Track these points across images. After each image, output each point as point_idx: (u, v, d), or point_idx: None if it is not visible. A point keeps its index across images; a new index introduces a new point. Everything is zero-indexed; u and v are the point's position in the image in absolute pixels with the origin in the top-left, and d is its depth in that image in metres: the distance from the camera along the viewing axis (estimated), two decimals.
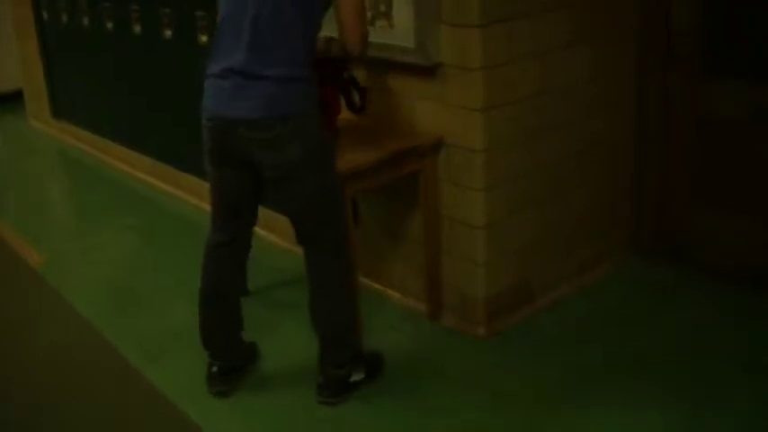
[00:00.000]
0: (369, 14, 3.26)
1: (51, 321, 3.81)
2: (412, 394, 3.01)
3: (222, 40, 2.71)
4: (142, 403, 3.11)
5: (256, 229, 4.36)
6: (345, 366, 2.97)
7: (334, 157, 2.85)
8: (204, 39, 4.50)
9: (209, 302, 3.01)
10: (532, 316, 3.45)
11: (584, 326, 3.37)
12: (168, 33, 4.93)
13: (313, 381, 3.03)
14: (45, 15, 6.73)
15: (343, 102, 3.24)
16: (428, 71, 3.16)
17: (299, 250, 3.99)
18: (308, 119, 2.68)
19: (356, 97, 3.30)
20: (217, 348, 3.08)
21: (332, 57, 2.95)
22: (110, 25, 5.64)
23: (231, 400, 3.06)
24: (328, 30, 2.79)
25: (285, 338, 3.44)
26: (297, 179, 2.71)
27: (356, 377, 3.00)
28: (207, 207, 4.71)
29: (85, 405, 3.13)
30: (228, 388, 3.09)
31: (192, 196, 5.05)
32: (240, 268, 3.07)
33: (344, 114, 3.27)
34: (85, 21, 5.98)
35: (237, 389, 3.10)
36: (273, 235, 4.34)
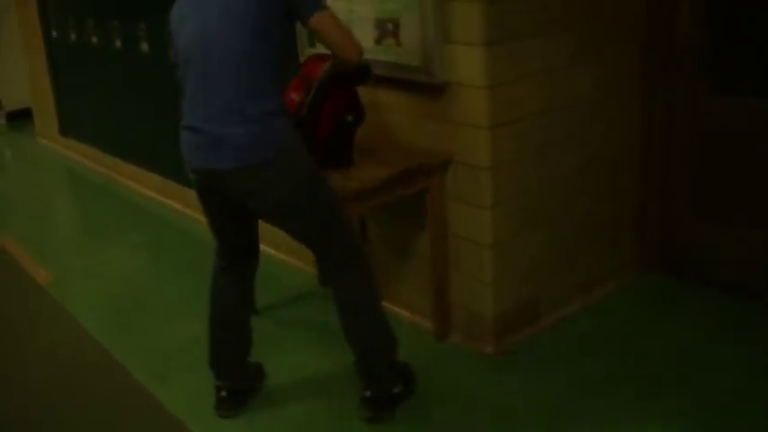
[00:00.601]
0: (376, 33, 3.29)
1: (58, 338, 3.82)
2: (420, 412, 3.00)
3: (189, 89, 2.68)
4: (149, 421, 3.11)
5: (264, 246, 4.39)
6: (389, 380, 2.95)
7: (324, 183, 2.79)
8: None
9: (214, 324, 3.03)
10: (538, 333, 3.44)
11: (589, 343, 3.36)
12: None
13: (324, 396, 3.04)
14: (54, 33, 6.78)
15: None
16: (435, 89, 3.18)
17: (306, 268, 4.01)
18: (289, 154, 2.64)
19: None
20: (222, 369, 3.08)
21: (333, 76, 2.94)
22: (118, 43, 5.68)
23: (237, 417, 3.06)
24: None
25: (293, 356, 3.44)
26: (292, 214, 2.72)
27: (397, 389, 2.98)
28: None
29: (92, 422, 3.13)
30: (237, 412, 3.07)
31: (200, 213, 5.05)
32: (244, 293, 3.08)
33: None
34: (94, 39, 6.02)
35: (250, 410, 3.10)
36: (281, 253, 4.35)
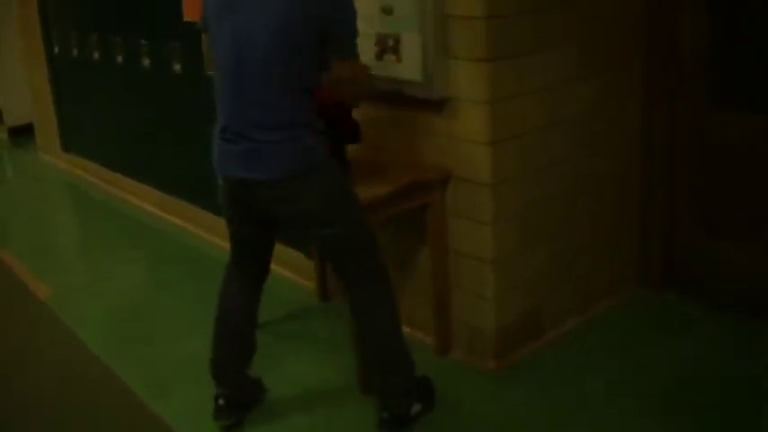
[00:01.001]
0: (377, 49, 3.30)
1: (58, 353, 3.81)
2: (422, 428, 2.98)
3: (222, 95, 2.71)
4: None
5: None
6: (406, 398, 2.93)
7: (352, 194, 2.84)
8: (212, 73, 4.54)
9: (221, 330, 3.04)
10: (541, 348, 3.43)
11: (592, 358, 3.35)
12: (177, 67, 4.98)
13: (323, 410, 3.04)
14: (56, 49, 6.80)
15: None
16: (436, 105, 3.18)
17: (306, 283, 4.00)
18: (320, 166, 2.68)
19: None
20: (222, 376, 3.08)
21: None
22: (120, 59, 5.69)
23: (240, 430, 3.06)
24: None
25: (294, 369, 3.43)
26: (320, 224, 2.73)
27: (415, 408, 2.96)
28: (215, 240, 4.74)
29: None
30: (234, 422, 3.07)
31: (201, 229, 5.06)
32: (254, 301, 3.08)
33: (352, 148, 3.27)
34: (96, 55, 6.04)
35: (244, 421, 3.09)
36: (282, 268, 4.34)
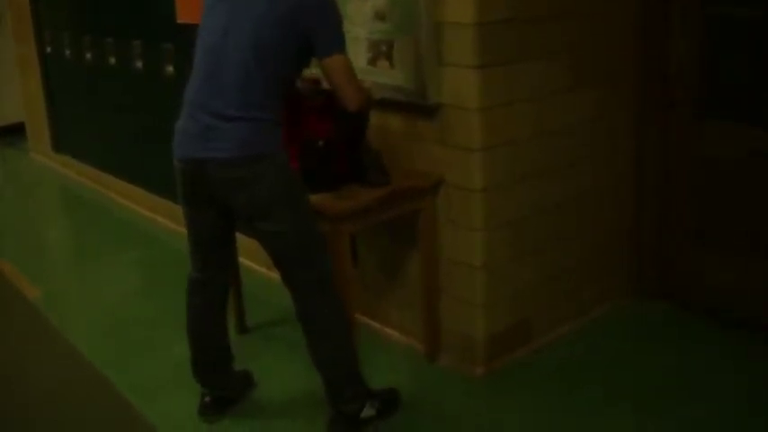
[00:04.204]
0: (369, 55, 3.30)
1: (47, 356, 3.80)
2: None
3: (195, 75, 2.77)
4: None
5: (253, 265, 4.38)
6: (356, 401, 2.94)
7: (305, 198, 2.84)
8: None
9: (192, 337, 3.06)
10: (530, 356, 3.44)
11: (581, 366, 3.36)
12: (170, 69, 4.97)
13: (311, 416, 3.04)
14: (48, 49, 6.79)
15: None
16: (427, 111, 3.18)
17: None
18: (275, 158, 2.70)
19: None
20: (205, 381, 3.12)
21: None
22: (112, 60, 5.68)
23: None
24: None
25: (283, 374, 3.43)
26: (268, 217, 2.72)
27: (367, 413, 2.97)
28: None
29: None
30: (219, 417, 3.11)
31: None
32: (218, 306, 3.08)
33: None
34: (88, 56, 6.03)
35: (234, 424, 3.10)
36: (274, 272, 4.33)
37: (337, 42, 2.68)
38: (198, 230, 2.93)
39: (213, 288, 3.02)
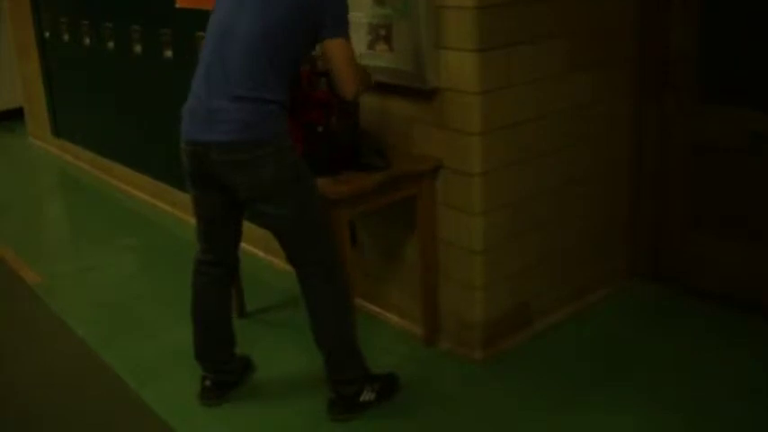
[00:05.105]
0: (368, 39, 3.30)
1: (46, 340, 3.81)
2: (409, 416, 3.00)
3: (202, 63, 2.78)
4: (135, 423, 3.10)
5: (255, 250, 4.39)
6: (355, 384, 2.97)
7: (311, 181, 2.85)
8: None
9: (196, 318, 3.07)
10: (529, 339, 3.45)
11: (580, 349, 3.37)
12: (169, 54, 4.96)
13: (310, 400, 3.05)
14: (46, 35, 6.77)
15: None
16: (426, 95, 3.18)
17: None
18: (279, 141, 2.71)
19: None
20: (208, 363, 3.13)
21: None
22: (111, 45, 5.67)
23: (226, 419, 3.06)
24: None
25: (283, 358, 3.44)
26: (271, 200, 2.73)
27: (366, 397, 2.99)
28: None
29: (79, 424, 3.12)
30: (220, 401, 3.12)
31: (193, 216, 5.04)
32: (223, 287, 3.09)
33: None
34: (87, 40, 6.01)
35: (233, 408, 3.11)
36: (272, 256, 4.35)
37: (343, 27, 2.71)
38: (204, 212, 2.94)
39: (219, 269, 3.03)
